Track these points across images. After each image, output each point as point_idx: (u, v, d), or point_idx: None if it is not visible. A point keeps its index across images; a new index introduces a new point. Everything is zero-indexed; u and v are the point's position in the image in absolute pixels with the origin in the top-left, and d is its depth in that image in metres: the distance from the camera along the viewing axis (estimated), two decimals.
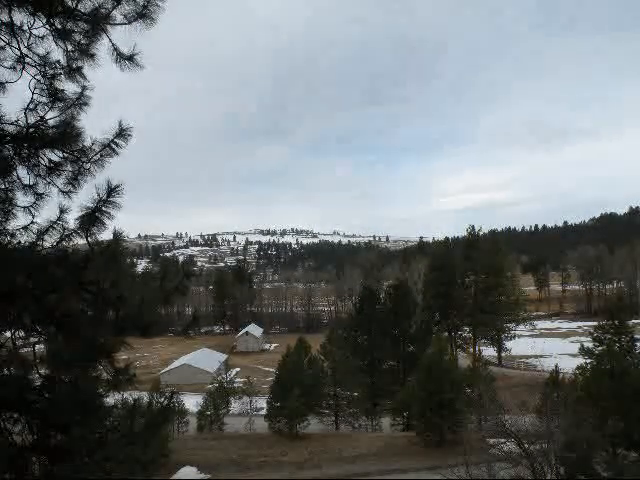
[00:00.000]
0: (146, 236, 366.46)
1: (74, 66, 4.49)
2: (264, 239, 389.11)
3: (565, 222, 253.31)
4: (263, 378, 53.87)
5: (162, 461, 22.01)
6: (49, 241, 4.60)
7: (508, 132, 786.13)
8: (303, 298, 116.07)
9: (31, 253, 4.37)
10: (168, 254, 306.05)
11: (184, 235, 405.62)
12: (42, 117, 4.52)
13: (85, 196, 4.41)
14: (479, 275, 60.22)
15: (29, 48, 4.37)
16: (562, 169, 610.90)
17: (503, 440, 16.84)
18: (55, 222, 4.60)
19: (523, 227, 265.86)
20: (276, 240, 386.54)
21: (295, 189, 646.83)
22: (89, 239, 4.45)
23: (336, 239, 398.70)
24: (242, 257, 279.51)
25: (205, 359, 63.25)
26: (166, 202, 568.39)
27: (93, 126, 4.66)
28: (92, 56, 4.44)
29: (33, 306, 4.08)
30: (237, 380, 48.09)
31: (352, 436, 31.45)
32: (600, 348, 28.15)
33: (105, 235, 4.54)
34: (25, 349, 4.51)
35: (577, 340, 59.04)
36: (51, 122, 4.57)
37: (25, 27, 4.23)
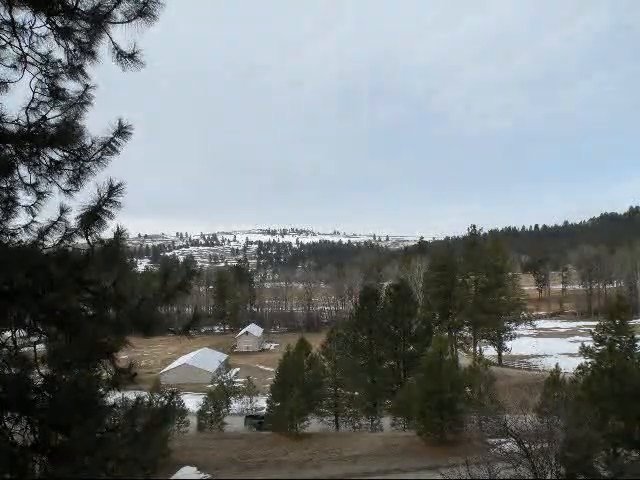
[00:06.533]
0: (146, 236, 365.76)
1: (76, 65, 4.48)
2: (264, 239, 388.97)
3: (565, 222, 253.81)
4: (263, 378, 53.83)
5: (162, 461, 22.00)
6: (50, 240, 4.59)
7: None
8: (303, 298, 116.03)
9: (32, 252, 4.36)
10: (168, 254, 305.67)
11: (184, 235, 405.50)
12: (44, 116, 4.51)
13: (86, 195, 4.39)
14: (480, 275, 60.28)
15: (30, 47, 4.36)
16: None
17: (504, 440, 16.88)
18: (56, 221, 4.59)
19: (523, 227, 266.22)
20: (276, 240, 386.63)
21: (295, 189, 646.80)
22: (89, 238, 4.44)
23: (336, 239, 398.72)
24: (242, 257, 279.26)
25: (205, 359, 63.31)
26: (167, 202, 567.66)
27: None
28: (93, 54, 4.43)
29: (34, 305, 4.07)
30: (237, 380, 48.13)
31: (352, 436, 31.44)
32: (601, 348, 28.15)
33: (106, 234, 4.52)
34: (26, 348, 4.50)
35: (577, 340, 58.97)
36: (52, 121, 4.56)
37: (26, 26, 4.23)
